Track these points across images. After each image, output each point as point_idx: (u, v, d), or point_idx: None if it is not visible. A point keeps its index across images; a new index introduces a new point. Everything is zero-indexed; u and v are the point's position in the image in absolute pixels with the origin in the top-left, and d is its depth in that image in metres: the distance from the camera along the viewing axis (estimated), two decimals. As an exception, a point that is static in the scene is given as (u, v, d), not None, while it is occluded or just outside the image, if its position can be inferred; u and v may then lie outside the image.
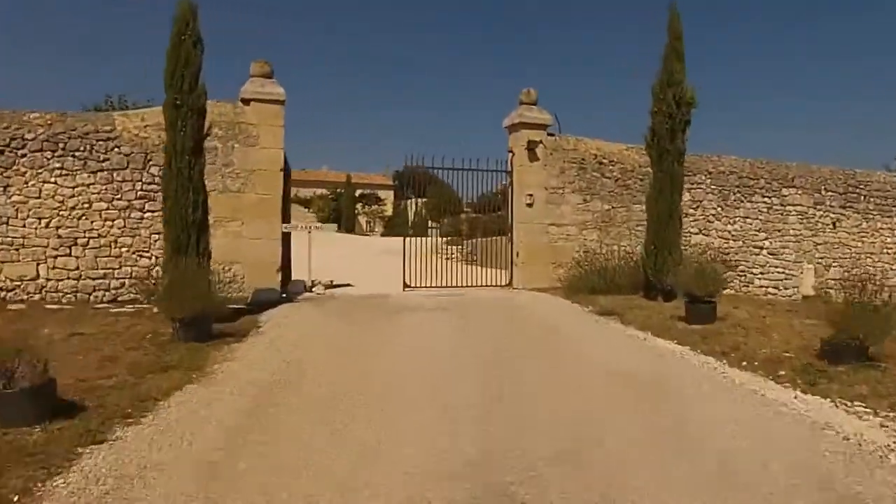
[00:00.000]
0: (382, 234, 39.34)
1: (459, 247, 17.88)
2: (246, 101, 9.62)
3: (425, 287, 10.72)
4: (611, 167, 11.95)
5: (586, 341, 6.47)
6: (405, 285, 10.68)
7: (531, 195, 11.17)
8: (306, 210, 46.92)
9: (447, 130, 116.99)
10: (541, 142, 11.24)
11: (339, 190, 42.79)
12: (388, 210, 47.02)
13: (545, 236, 11.32)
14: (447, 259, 14.31)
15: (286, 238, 10.58)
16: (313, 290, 9.78)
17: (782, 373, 5.26)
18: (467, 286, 11.06)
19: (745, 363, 5.66)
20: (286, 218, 10.69)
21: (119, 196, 9.18)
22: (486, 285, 11.23)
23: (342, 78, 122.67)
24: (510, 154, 11.50)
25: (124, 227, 9.19)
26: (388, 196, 49.37)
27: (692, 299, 7.51)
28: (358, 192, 44.96)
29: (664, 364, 5.60)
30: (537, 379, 5.04)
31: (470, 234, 20.44)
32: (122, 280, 9.15)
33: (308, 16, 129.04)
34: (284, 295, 9.56)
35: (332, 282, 12.44)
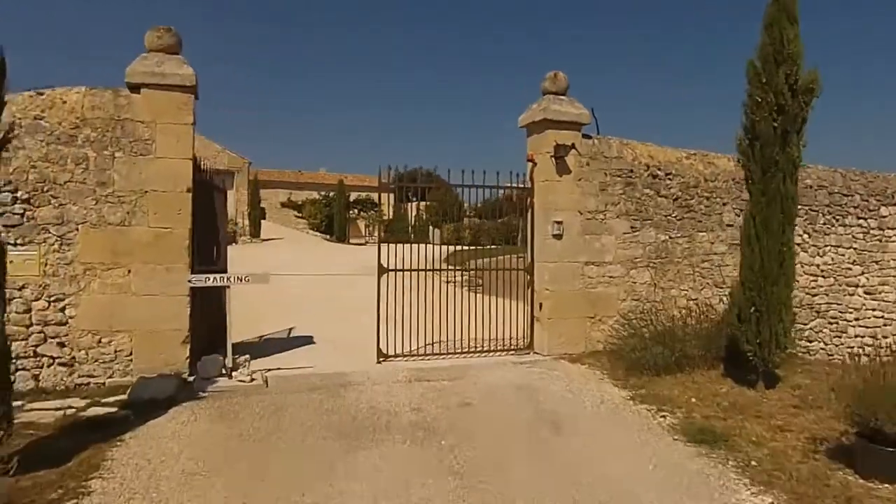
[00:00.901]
0: (382, 241, 35.96)
1: (460, 269, 14.67)
2: (135, 88, 6.35)
3: (408, 357, 7.47)
4: (668, 181, 8.65)
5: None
6: (380, 353, 7.42)
7: (560, 222, 7.86)
8: (299, 216, 43.75)
9: (455, 131, 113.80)
10: (573, 146, 7.92)
11: (331, 193, 39.53)
12: (388, 213, 43.70)
13: (579, 280, 8.02)
14: (446, 282, 11.10)
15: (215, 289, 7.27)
16: (234, 373, 6.41)
17: None
18: (469, 352, 7.77)
19: None
20: (209, 257, 7.46)
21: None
22: (497, 350, 7.91)
23: (340, 76, 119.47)
24: (529, 164, 8.20)
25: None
26: (387, 199, 46.05)
27: (869, 434, 4.22)
28: (353, 197, 41.57)
29: None
30: None
31: (473, 242, 18.28)
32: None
33: (312, 16, 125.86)
34: (192, 378, 6.31)
35: (289, 331, 9.27)
